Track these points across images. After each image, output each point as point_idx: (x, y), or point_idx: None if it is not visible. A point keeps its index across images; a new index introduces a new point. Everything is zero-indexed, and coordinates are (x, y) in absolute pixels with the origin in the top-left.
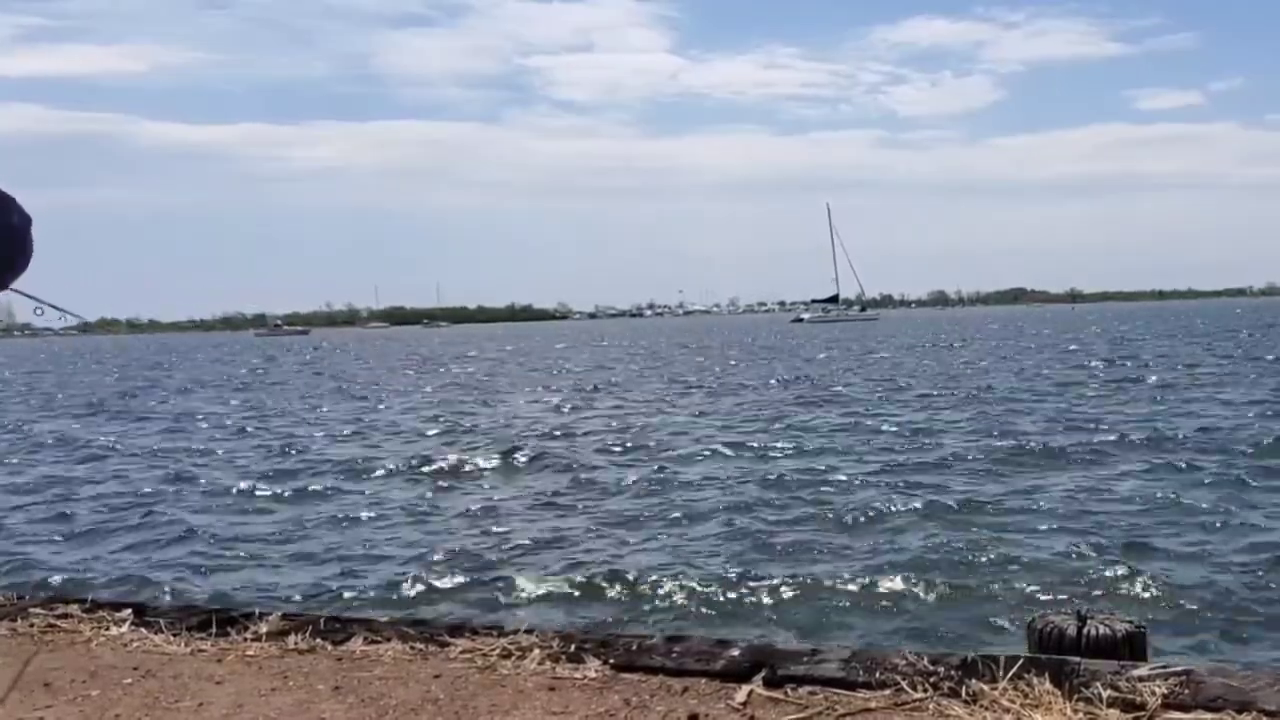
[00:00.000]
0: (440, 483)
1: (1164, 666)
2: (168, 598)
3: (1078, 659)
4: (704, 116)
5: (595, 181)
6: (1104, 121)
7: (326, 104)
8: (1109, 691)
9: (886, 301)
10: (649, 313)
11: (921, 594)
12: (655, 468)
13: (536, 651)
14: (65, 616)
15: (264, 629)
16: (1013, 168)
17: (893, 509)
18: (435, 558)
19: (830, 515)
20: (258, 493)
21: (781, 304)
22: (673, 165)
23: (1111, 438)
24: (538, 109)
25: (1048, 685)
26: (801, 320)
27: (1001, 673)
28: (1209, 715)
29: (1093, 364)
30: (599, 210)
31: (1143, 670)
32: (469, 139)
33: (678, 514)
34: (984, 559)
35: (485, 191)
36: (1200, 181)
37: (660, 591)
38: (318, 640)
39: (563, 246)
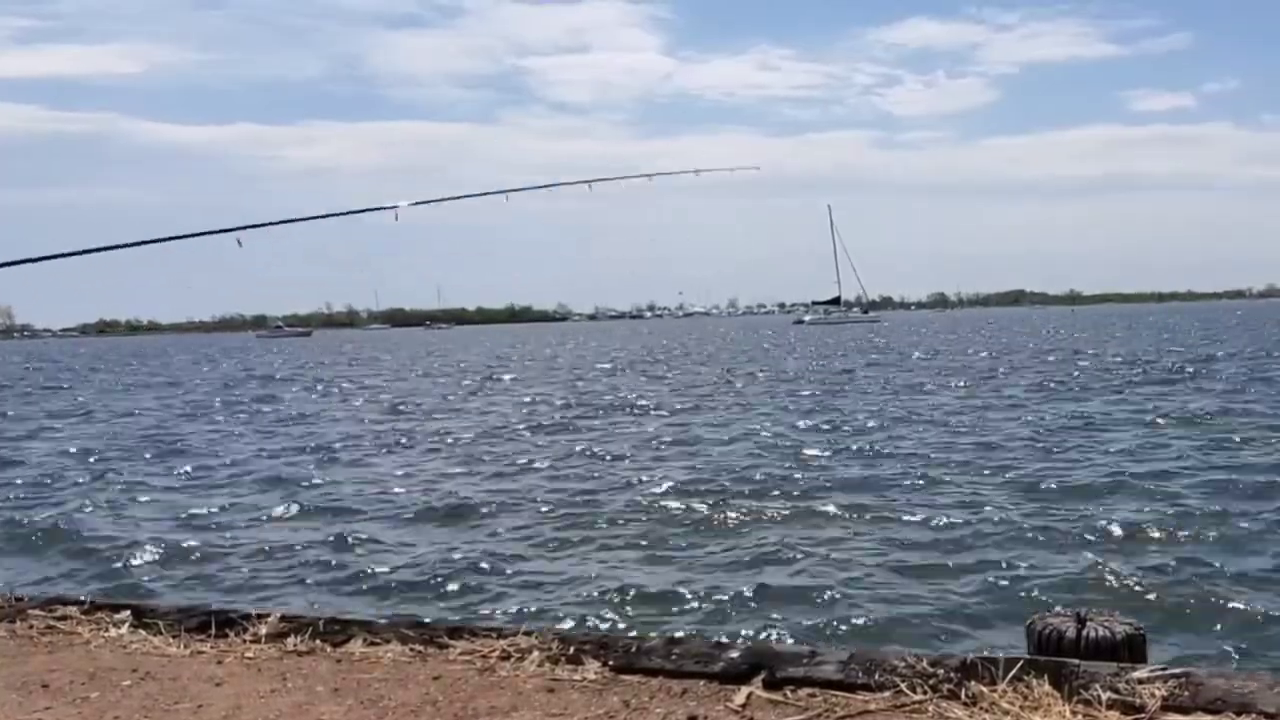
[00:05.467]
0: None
1: (1163, 668)
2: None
3: (1077, 661)
4: (698, 117)
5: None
6: (1098, 123)
7: (321, 104)
8: (1108, 693)
9: (886, 303)
10: (649, 314)
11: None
12: None
13: (535, 653)
14: (64, 618)
15: (263, 630)
16: (1007, 168)
17: None
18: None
19: None
20: None
21: (781, 305)
22: (668, 166)
23: None
24: (532, 109)
25: (1047, 687)
26: (803, 322)
27: (1001, 675)
28: (1208, 717)
29: None
30: (596, 210)
31: (1142, 672)
32: (464, 139)
33: None
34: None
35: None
36: (1195, 183)
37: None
38: (317, 642)
39: (561, 248)
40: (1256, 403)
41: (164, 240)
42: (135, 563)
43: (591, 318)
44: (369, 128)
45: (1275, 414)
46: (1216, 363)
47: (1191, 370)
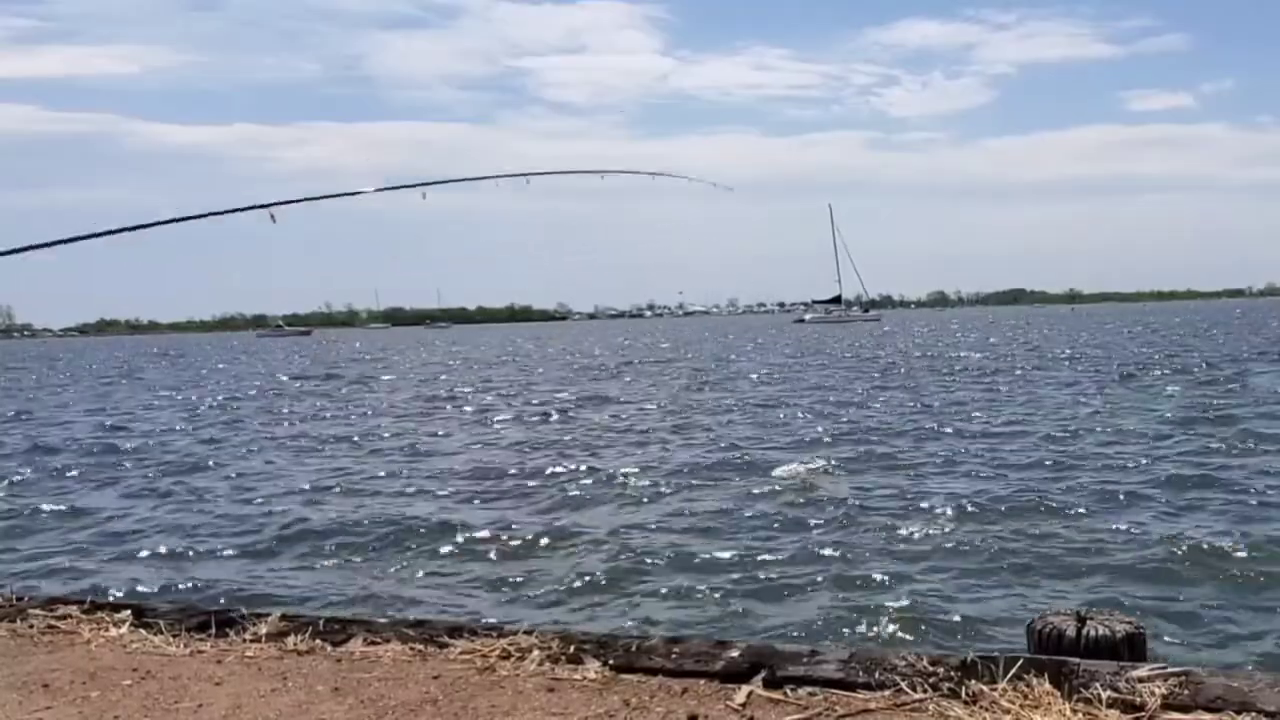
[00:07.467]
0: None
1: (1163, 667)
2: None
3: (1077, 660)
4: (695, 118)
5: (589, 182)
6: (1095, 123)
7: (317, 105)
8: (1108, 692)
9: (886, 302)
10: (649, 314)
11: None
12: None
13: (536, 653)
14: (64, 617)
15: (263, 630)
16: (1005, 169)
17: None
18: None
19: None
20: None
21: (781, 305)
22: (666, 166)
23: None
24: (530, 110)
25: (1047, 686)
26: (804, 321)
27: (1001, 673)
28: (1209, 716)
29: None
30: (594, 211)
31: (1142, 671)
32: (461, 140)
33: None
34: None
35: (478, 193)
36: (1193, 183)
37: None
38: (317, 641)
39: (560, 248)
40: None
41: (186, 219)
42: None
43: (591, 317)
44: (366, 129)
45: None
46: None
47: None
